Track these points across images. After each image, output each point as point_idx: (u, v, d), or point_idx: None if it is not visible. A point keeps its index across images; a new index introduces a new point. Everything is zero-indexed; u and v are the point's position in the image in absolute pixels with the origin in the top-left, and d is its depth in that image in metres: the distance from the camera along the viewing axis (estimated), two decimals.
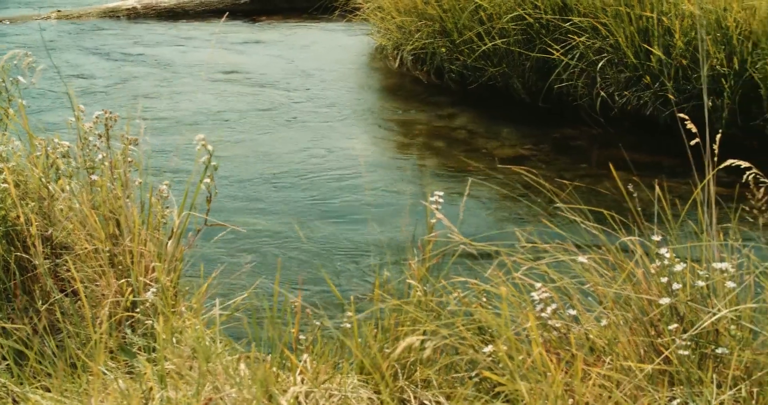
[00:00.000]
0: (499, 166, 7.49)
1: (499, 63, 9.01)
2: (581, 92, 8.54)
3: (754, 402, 3.08)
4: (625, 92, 8.28)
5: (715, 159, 3.72)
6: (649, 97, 8.17)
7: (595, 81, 8.42)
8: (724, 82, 7.65)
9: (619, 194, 6.97)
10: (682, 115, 3.99)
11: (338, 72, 10.14)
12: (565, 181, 6.63)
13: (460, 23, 9.13)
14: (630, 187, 4.10)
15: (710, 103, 7.57)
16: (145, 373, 3.27)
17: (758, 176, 3.68)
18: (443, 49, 9.36)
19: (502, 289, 3.36)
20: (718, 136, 3.78)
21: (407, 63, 9.88)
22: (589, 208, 3.94)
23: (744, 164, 3.64)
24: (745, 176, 3.69)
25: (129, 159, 4.45)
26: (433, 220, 3.86)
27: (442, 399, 3.46)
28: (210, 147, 4.35)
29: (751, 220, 3.72)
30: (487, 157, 7.88)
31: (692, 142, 3.78)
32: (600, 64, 8.32)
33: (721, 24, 7.76)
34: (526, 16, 8.70)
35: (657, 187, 3.91)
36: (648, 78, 8.08)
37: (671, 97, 7.85)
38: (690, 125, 3.81)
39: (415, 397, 3.46)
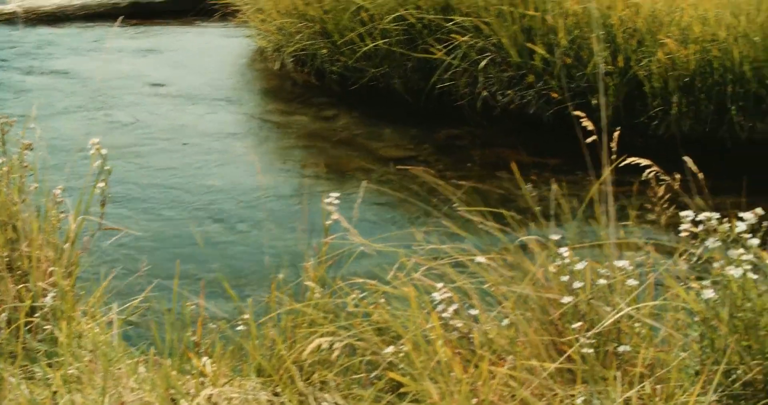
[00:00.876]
0: (386, 166, 7.63)
1: (380, 64, 9.05)
2: (464, 92, 8.64)
3: (657, 399, 3.10)
4: (509, 91, 8.41)
5: (613, 157, 3.74)
6: (532, 96, 8.30)
7: (477, 80, 8.49)
8: (609, 80, 7.75)
9: (509, 193, 7.09)
10: (577, 112, 4.02)
11: (218, 76, 10.08)
12: (461, 182, 6.69)
13: (341, 24, 9.15)
14: (529, 186, 4.11)
15: (595, 101, 7.65)
16: (49, 378, 3.22)
17: (658, 174, 3.71)
18: (324, 51, 9.36)
19: (406, 290, 3.44)
20: (616, 133, 3.81)
21: (288, 65, 9.82)
22: (488, 209, 3.96)
23: (644, 162, 3.69)
24: (644, 174, 3.73)
25: (25, 164, 4.35)
26: (329, 222, 3.87)
27: (340, 400, 3.48)
28: (104, 151, 4.28)
29: (652, 217, 3.75)
30: (372, 158, 7.95)
31: (588, 140, 3.81)
32: (483, 64, 8.43)
33: (605, 22, 7.84)
34: (408, 16, 8.64)
35: (553, 186, 3.92)
36: (532, 77, 8.23)
37: (555, 95, 7.91)
38: (586, 122, 3.84)
39: (315, 399, 3.48)
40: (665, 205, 3.79)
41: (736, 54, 7.57)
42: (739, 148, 7.74)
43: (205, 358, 3.54)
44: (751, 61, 7.58)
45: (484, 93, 8.49)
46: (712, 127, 7.81)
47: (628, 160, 3.80)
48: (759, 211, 3.43)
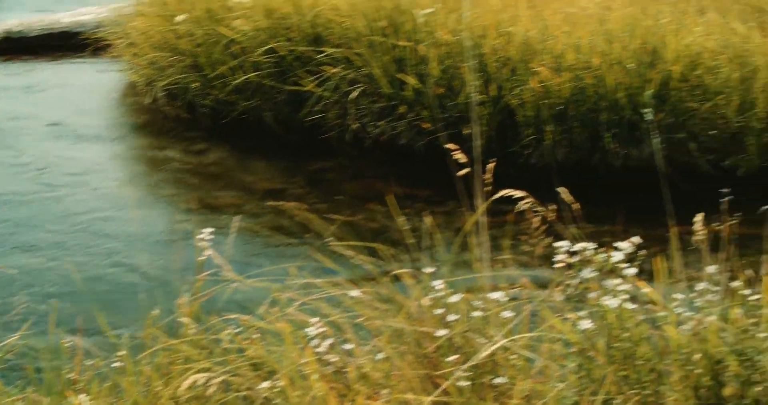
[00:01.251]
0: (258, 200, 7.58)
1: (251, 96, 8.99)
2: (335, 123, 8.62)
3: None
4: (380, 122, 8.41)
5: (487, 188, 3.70)
6: (404, 126, 8.29)
7: (348, 112, 8.48)
8: (482, 110, 7.76)
9: (382, 226, 7.05)
10: (450, 145, 3.96)
11: (89, 111, 9.93)
12: (333, 215, 6.62)
13: (212, 57, 9.06)
14: (402, 218, 4.07)
15: (468, 131, 7.63)
16: None
17: (533, 205, 3.69)
18: (196, 84, 9.24)
19: (280, 325, 3.45)
20: (490, 165, 3.77)
21: (160, 99, 9.65)
22: (360, 244, 4.00)
23: (518, 194, 3.67)
24: (519, 205, 3.69)
25: None
26: (203, 258, 3.89)
27: None
28: None
29: (527, 248, 3.73)
30: (244, 192, 7.91)
31: (461, 172, 3.76)
32: (354, 95, 8.41)
33: (477, 51, 7.87)
34: (279, 49, 8.58)
35: (427, 218, 3.88)
36: (403, 107, 8.23)
37: (427, 126, 7.88)
38: (458, 155, 3.80)
39: None
40: (540, 236, 3.78)
41: (610, 81, 7.69)
42: (613, 175, 7.84)
43: (82, 396, 3.50)
44: (626, 88, 7.72)
45: (355, 124, 8.47)
46: (587, 155, 7.92)
47: (502, 193, 3.77)
48: (635, 240, 3.47)
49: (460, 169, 3.83)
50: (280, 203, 7.10)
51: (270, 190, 7.88)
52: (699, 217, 3.87)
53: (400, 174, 8.11)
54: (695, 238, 3.87)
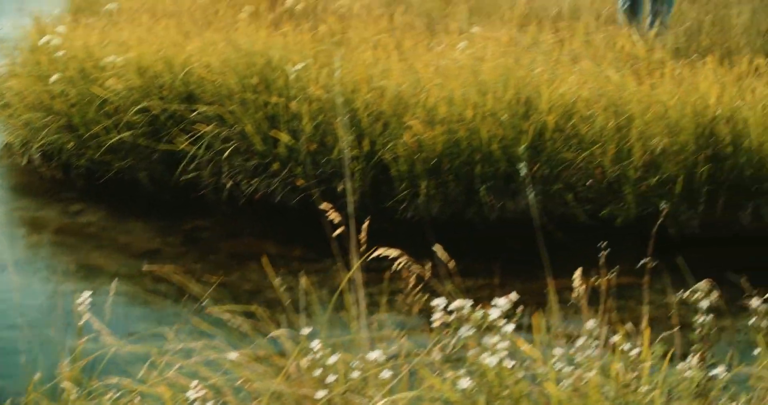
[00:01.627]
0: (136, 261, 7.47)
1: (126, 156, 8.95)
2: (209, 182, 8.60)
3: None
4: (254, 180, 8.38)
5: (363, 248, 3.70)
6: (278, 184, 8.29)
7: (222, 170, 8.48)
8: (356, 165, 7.72)
9: (259, 286, 6.99)
10: (325, 205, 3.93)
11: None
12: (210, 276, 6.58)
13: (87, 117, 9.00)
14: (278, 279, 4.05)
15: (342, 187, 7.58)
16: None
17: (408, 263, 3.68)
18: (71, 145, 9.12)
19: (160, 389, 3.51)
20: (365, 224, 3.76)
21: (35, 160, 9.51)
22: (237, 307, 4.07)
23: (393, 253, 3.67)
24: (394, 265, 3.68)
25: None
26: (82, 322, 3.94)
27: None
28: None
29: (404, 307, 3.72)
30: (121, 253, 7.79)
31: (336, 232, 3.74)
32: (227, 153, 8.39)
33: (350, 106, 7.84)
34: (152, 108, 8.51)
35: (302, 278, 3.87)
36: (277, 164, 8.23)
37: (300, 183, 7.85)
38: (333, 215, 3.77)
39: None
40: (417, 294, 3.76)
41: (484, 133, 7.74)
42: (490, 228, 7.91)
43: None
44: (500, 139, 7.78)
45: (230, 182, 8.46)
46: (462, 208, 8.01)
47: (378, 252, 3.79)
48: (512, 296, 3.50)
49: (335, 228, 3.83)
50: (157, 267, 7.01)
51: (147, 251, 7.80)
52: (577, 273, 3.91)
53: (275, 231, 8.11)
54: (574, 293, 3.90)
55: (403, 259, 3.78)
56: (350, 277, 3.73)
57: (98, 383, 3.84)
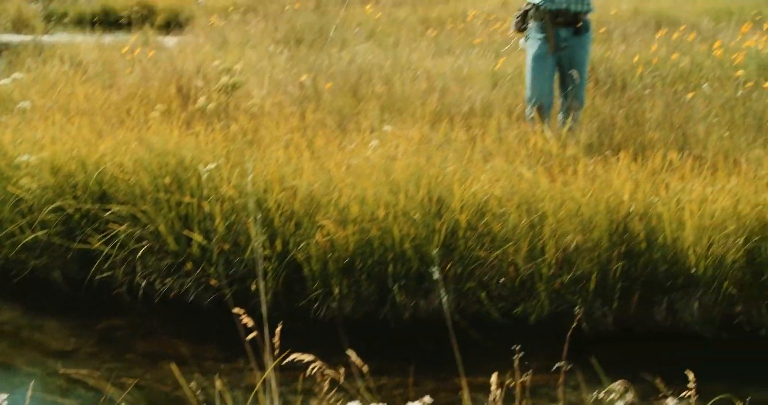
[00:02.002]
0: (52, 362, 7.43)
1: (41, 255, 8.97)
2: (123, 281, 8.65)
3: None
4: (168, 279, 8.46)
5: (276, 351, 3.73)
6: (191, 283, 8.39)
7: (136, 269, 8.53)
8: (269, 265, 7.79)
9: (173, 387, 6.99)
10: (237, 309, 3.98)
11: None
12: (126, 378, 6.60)
13: (1, 216, 9.02)
14: (193, 383, 4.06)
15: (253, 287, 7.63)
16: None
17: (322, 368, 3.72)
18: None
19: None
20: (278, 329, 3.79)
21: None
22: None
23: (307, 358, 3.70)
24: (308, 370, 3.71)
25: None
26: None
27: None
28: None
29: None
30: (37, 353, 7.77)
31: (250, 336, 3.78)
32: (141, 252, 8.48)
33: (262, 206, 7.90)
34: (66, 207, 8.58)
35: (217, 381, 3.88)
36: (190, 264, 8.33)
37: (213, 282, 7.96)
38: (246, 319, 3.82)
39: None
40: (331, 397, 3.79)
41: (396, 233, 7.86)
42: (403, 327, 7.99)
43: None
44: (412, 239, 7.85)
45: (144, 282, 8.52)
46: (375, 308, 8.10)
47: (291, 357, 3.81)
48: (426, 400, 3.49)
49: (249, 331, 3.85)
50: (74, 370, 6.99)
51: (62, 351, 7.79)
52: (494, 378, 3.95)
53: (190, 331, 8.13)
54: (490, 396, 3.94)
55: (316, 364, 3.80)
56: (264, 378, 3.74)
57: None
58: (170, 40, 20.36)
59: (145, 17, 28.45)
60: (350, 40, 18.63)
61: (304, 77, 12.40)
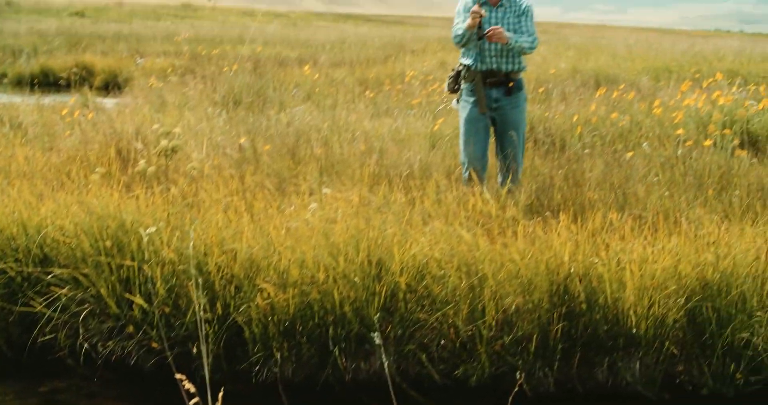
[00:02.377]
0: None
1: None
2: (65, 344, 8.70)
3: None
4: (109, 342, 8.52)
5: None
6: (133, 346, 8.48)
7: (78, 332, 8.60)
8: (209, 328, 7.88)
9: None
10: (179, 375, 4.06)
11: None
12: None
13: None
14: None
15: (195, 350, 7.71)
16: None
17: None
18: None
19: None
20: (220, 394, 3.87)
21: None
22: None
23: None
24: None
25: None
26: None
27: None
28: None
29: None
30: None
31: (192, 402, 3.86)
32: (83, 315, 8.57)
33: (202, 269, 8.00)
34: (8, 270, 8.65)
35: None
36: (131, 327, 8.39)
37: (155, 345, 8.03)
38: (188, 385, 3.89)
39: None
40: None
41: (337, 295, 7.99)
42: (345, 390, 8.11)
43: None
44: (352, 301, 7.97)
45: (86, 345, 8.59)
46: (316, 370, 8.23)
47: None
48: None
49: (190, 396, 3.90)
50: None
51: None
52: None
53: (132, 394, 8.20)
54: None
55: None
56: None
57: None
58: (109, 102, 20.50)
59: (84, 78, 28.53)
60: (288, 101, 18.85)
61: (242, 139, 12.56)
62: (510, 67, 10.58)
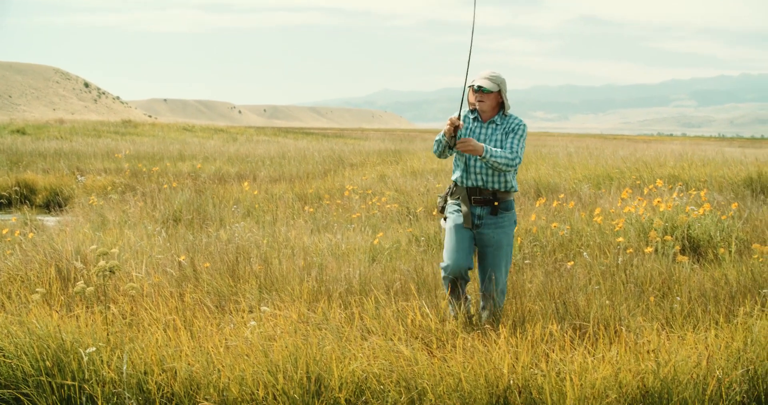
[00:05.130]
0: None
1: None
2: None
3: None
4: None
5: None
6: None
7: None
8: None
9: None
10: None
11: None
12: None
13: None
14: None
15: None
16: None
17: None
18: None
19: None
20: None
21: None
22: None
23: None
24: None
25: None
26: None
27: None
28: None
29: None
30: None
31: None
32: None
33: (143, 387, 8.13)
34: None
35: None
36: None
37: None
38: None
39: None
40: None
41: None
42: None
43: None
44: None
45: None
46: None
47: None
48: None
49: None
50: None
51: None
52: None
53: None
54: None
55: None
56: None
57: None
58: (50, 220, 20.63)
59: (25, 196, 28.57)
60: (228, 218, 19.03)
61: (182, 257, 12.70)
62: (497, 185, 10.18)
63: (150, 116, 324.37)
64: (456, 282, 10.10)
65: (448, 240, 10.29)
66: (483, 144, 9.92)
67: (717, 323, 9.80)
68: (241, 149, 49.29)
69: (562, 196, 21.20)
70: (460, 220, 10.28)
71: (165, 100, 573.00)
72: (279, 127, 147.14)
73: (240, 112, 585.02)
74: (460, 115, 10.10)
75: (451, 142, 9.97)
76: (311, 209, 20.33)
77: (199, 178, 28.69)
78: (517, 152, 10.06)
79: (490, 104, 10.28)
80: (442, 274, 10.23)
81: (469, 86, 10.36)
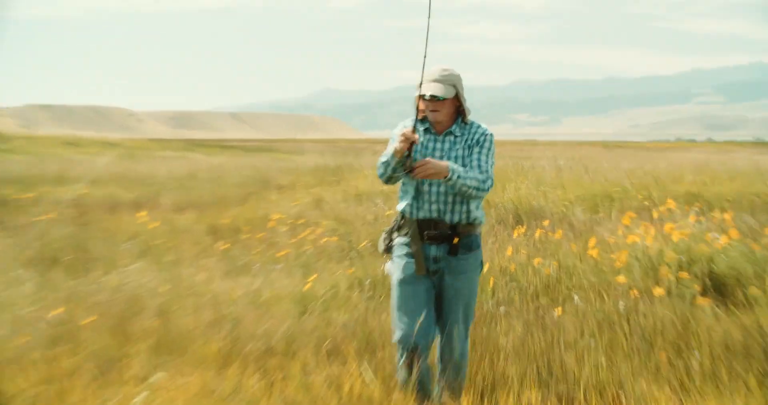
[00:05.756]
0: None
1: None
2: None
3: None
4: None
5: None
6: None
7: None
8: None
9: None
10: None
11: None
12: None
13: None
14: None
15: None
16: None
17: None
18: None
19: None
20: None
21: None
22: None
23: None
24: None
25: None
26: None
27: None
28: None
29: None
30: None
31: None
32: None
33: None
34: None
35: None
36: None
37: None
38: None
39: None
40: None
41: None
42: None
43: None
44: None
45: None
46: None
47: None
48: None
49: None
50: None
51: None
52: None
53: None
54: None
55: None
56: None
57: None
58: None
59: None
60: (119, 258, 18.83)
61: (58, 311, 12.53)
62: (457, 216, 9.54)
63: (25, 127, 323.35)
64: (415, 352, 9.40)
65: (398, 299, 9.66)
66: (447, 162, 9.28)
67: (748, 387, 9.69)
68: (141, 168, 49.23)
69: (547, 222, 20.97)
70: (411, 269, 9.62)
71: (45, 106, 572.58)
72: (190, 140, 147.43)
73: (140, 120, 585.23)
74: (415, 126, 9.51)
75: (406, 165, 9.34)
76: (226, 245, 20.19)
77: (85, 206, 28.49)
78: (487, 171, 9.51)
79: (447, 112, 9.67)
80: (397, 350, 9.60)
81: (418, 95, 9.68)
